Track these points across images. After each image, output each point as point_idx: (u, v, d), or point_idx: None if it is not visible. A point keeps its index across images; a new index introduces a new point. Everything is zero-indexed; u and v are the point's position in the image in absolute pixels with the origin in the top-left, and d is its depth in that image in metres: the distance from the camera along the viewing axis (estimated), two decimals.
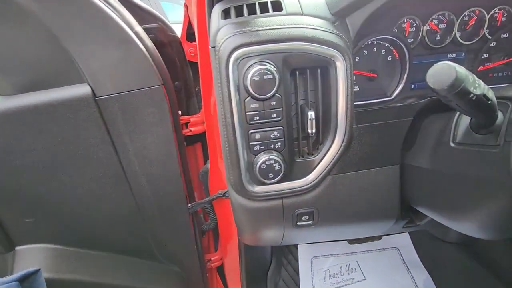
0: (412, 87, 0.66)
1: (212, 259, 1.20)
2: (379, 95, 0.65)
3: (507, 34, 0.62)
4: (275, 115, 0.47)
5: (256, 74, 0.43)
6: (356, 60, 0.62)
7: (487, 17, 0.60)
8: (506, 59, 0.63)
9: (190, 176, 0.94)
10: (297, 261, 1.27)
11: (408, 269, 1.28)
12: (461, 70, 0.34)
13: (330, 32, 0.46)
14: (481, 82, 0.36)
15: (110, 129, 0.64)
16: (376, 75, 0.62)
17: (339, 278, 1.27)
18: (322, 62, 0.46)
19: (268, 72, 0.43)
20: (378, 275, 1.27)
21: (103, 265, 0.80)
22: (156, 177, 0.75)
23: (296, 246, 1.29)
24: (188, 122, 0.92)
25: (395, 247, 1.36)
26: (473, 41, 0.61)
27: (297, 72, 0.47)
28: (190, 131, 0.92)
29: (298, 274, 1.24)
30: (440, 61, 0.63)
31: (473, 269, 1.11)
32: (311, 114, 0.48)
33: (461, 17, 0.59)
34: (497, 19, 0.60)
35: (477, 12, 0.59)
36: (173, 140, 0.74)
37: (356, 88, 0.64)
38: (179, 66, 0.79)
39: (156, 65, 0.66)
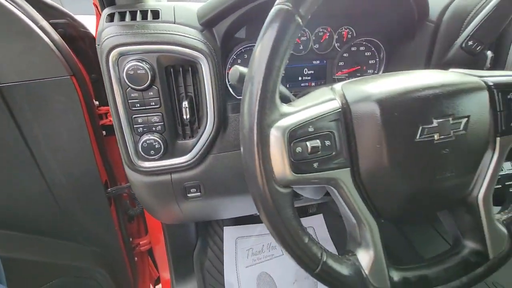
0: (288, 85, 0.82)
1: (141, 243, 1.28)
2: None
3: (355, 47, 0.82)
4: (153, 103, 0.59)
5: (130, 69, 0.54)
6: (238, 62, 0.76)
7: (334, 34, 0.78)
8: (356, 67, 0.83)
9: (111, 163, 1.01)
10: (223, 242, 1.40)
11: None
12: (245, 70, 0.47)
13: (195, 39, 0.59)
14: None
15: (15, 115, 0.70)
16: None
17: (260, 255, 1.44)
18: (189, 62, 0.59)
19: (141, 68, 0.54)
20: None
21: (20, 244, 0.84)
22: (68, 163, 0.82)
23: (221, 228, 1.42)
24: (108, 112, 1.00)
25: (311, 226, 1.57)
26: (327, 51, 0.79)
27: (172, 69, 0.59)
28: (110, 121, 1.00)
29: (223, 254, 1.37)
30: (308, 66, 0.82)
31: None
32: (185, 103, 0.60)
33: (314, 32, 0.77)
34: (343, 35, 0.79)
35: (328, 29, 0.77)
36: (85, 128, 0.81)
37: (240, 85, 0.79)
38: (93, 59, 0.86)
39: (64, 56, 0.73)
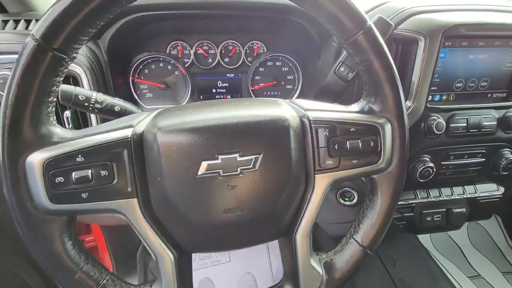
0: (201, 97, 0.82)
1: (86, 239, 1.31)
2: (171, 102, 0.80)
3: (271, 62, 0.81)
4: None
5: (0, 78, 0.56)
6: (145, 71, 0.77)
7: (243, 48, 0.77)
8: (272, 82, 0.81)
9: None
10: None
11: (268, 253, 1.48)
12: (69, 90, 0.47)
13: None
14: (107, 99, 0.50)
15: None
16: (164, 86, 0.77)
17: (207, 260, 1.44)
18: (68, 73, 0.60)
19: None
20: (242, 257, 1.45)
21: None
22: None
23: None
24: None
25: None
26: (237, 65, 0.78)
27: None
28: None
29: None
30: (222, 79, 0.82)
31: None
32: (66, 113, 0.61)
33: (222, 46, 0.76)
34: (254, 50, 0.78)
35: (237, 43, 0.76)
36: None
37: (150, 95, 0.80)
38: None
39: None
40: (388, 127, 0.40)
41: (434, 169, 0.71)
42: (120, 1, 0.33)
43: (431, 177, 0.71)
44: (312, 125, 0.40)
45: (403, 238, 1.36)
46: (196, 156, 0.36)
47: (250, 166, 0.36)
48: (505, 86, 0.72)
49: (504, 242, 1.60)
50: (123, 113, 0.49)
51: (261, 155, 0.37)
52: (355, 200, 0.79)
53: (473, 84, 0.70)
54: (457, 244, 1.56)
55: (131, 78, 0.75)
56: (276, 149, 0.37)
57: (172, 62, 0.76)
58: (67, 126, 0.63)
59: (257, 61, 0.78)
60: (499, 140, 0.73)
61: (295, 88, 0.84)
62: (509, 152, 0.75)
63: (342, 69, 0.56)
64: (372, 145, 0.40)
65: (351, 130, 0.39)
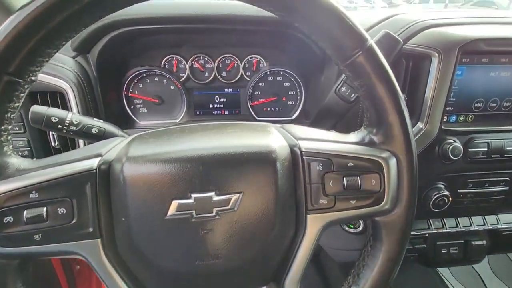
0: (198, 113, 0.78)
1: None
2: (167, 117, 0.77)
3: (272, 77, 0.76)
4: (17, 128, 0.58)
5: None
6: (140, 86, 0.74)
7: (240, 63, 0.73)
8: (272, 98, 0.77)
9: None
10: None
11: None
12: (40, 111, 0.44)
13: (61, 66, 0.57)
14: (83, 120, 0.46)
15: None
16: (158, 101, 0.74)
17: None
18: (56, 89, 0.57)
19: None
20: None
21: None
22: None
23: None
24: None
25: None
26: (235, 80, 0.74)
27: (38, 95, 0.58)
28: None
29: None
30: (219, 94, 0.78)
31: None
32: None
33: (219, 60, 0.72)
34: (253, 64, 0.73)
35: (234, 57, 0.72)
36: None
37: (144, 110, 0.76)
38: None
39: None
40: (393, 163, 0.34)
41: (450, 198, 0.63)
42: (83, 19, 0.29)
43: (446, 206, 0.64)
44: (304, 157, 0.34)
45: (418, 268, 1.26)
46: (166, 194, 0.31)
47: (228, 207, 0.31)
48: None
49: None
50: (101, 135, 0.45)
51: (241, 194, 0.32)
52: (360, 228, 0.72)
53: (495, 104, 0.63)
54: (478, 273, 1.44)
55: (124, 93, 0.72)
56: (260, 187, 0.32)
57: (167, 76, 0.73)
58: (53, 143, 0.61)
59: (256, 76, 0.74)
60: None
61: (297, 104, 0.78)
62: None
63: (344, 89, 0.51)
64: (373, 183, 0.34)
65: (348, 165, 0.34)
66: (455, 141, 0.60)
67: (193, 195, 0.31)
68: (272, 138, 0.35)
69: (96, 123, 0.46)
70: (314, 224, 0.34)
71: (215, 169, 0.31)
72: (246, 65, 0.74)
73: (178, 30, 0.62)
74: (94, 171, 0.32)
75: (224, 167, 0.31)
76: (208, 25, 0.62)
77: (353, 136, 0.36)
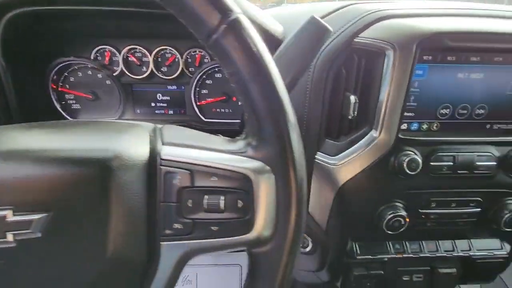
0: (138, 111, 0.71)
1: None
2: (103, 115, 0.70)
3: (220, 75, 0.68)
4: None
5: None
6: (71, 79, 0.67)
7: (180, 57, 0.65)
8: (221, 97, 0.69)
9: None
10: None
11: (240, 285, 1.31)
12: None
13: None
14: None
15: None
16: (92, 97, 0.67)
17: None
18: None
19: None
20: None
21: None
22: None
23: None
24: None
25: (238, 264, 1.40)
26: (175, 75, 0.66)
27: None
28: None
29: None
30: (161, 91, 0.70)
31: None
32: None
33: (154, 53, 0.64)
34: (196, 59, 0.65)
35: (174, 51, 0.64)
36: None
37: (77, 106, 0.69)
38: None
39: None
40: (266, 178, 0.26)
41: (407, 219, 0.54)
42: None
43: (403, 229, 0.55)
44: (161, 166, 0.26)
45: None
46: None
47: (30, 231, 0.23)
48: (511, 115, 0.55)
49: None
50: None
51: (52, 214, 0.23)
52: (308, 248, 0.63)
53: (465, 111, 0.54)
54: None
55: (52, 86, 0.65)
56: (83, 203, 0.24)
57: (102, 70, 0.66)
58: None
59: (199, 72, 0.66)
60: (500, 186, 0.55)
61: None
62: None
63: None
64: (240, 205, 0.25)
65: (211, 179, 0.26)
66: (414, 153, 0.51)
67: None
68: (125, 142, 0.27)
69: None
70: (169, 254, 0.26)
71: (17, 179, 0.23)
72: (189, 60, 0.66)
73: (97, 13, 0.54)
74: None
75: (30, 175, 0.23)
76: (134, 8, 0.54)
77: (233, 143, 0.28)
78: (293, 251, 0.27)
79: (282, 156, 0.25)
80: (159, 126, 0.31)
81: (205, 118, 0.71)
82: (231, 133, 0.38)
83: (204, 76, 0.68)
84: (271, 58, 0.25)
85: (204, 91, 0.69)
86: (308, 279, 0.77)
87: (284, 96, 0.25)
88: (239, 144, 0.28)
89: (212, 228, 0.26)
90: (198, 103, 0.70)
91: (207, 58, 0.66)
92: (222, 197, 0.25)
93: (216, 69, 0.67)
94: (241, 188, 0.25)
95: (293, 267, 0.27)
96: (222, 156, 0.26)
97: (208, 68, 0.65)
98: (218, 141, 0.28)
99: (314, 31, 0.37)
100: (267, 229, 0.26)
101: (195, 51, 0.65)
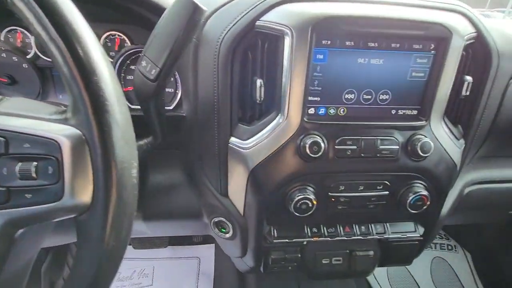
0: (61, 97, 0.69)
1: None
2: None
3: None
4: None
5: None
6: None
7: (100, 40, 0.63)
8: None
9: None
10: None
11: (198, 279, 1.31)
12: None
13: None
14: None
15: None
16: (7, 80, 0.64)
17: (126, 282, 1.28)
18: None
19: None
20: (167, 281, 1.29)
21: None
22: None
23: None
24: None
25: (197, 257, 1.39)
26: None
27: None
28: None
29: None
30: None
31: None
32: None
33: None
34: (116, 43, 0.65)
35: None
36: None
37: None
38: None
39: None
40: (77, 146, 0.26)
41: (314, 202, 0.55)
42: None
43: (311, 211, 0.56)
44: None
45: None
46: None
47: None
48: (415, 101, 0.57)
49: (472, 282, 1.41)
50: None
51: None
52: (229, 234, 0.64)
53: (369, 97, 0.55)
54: (416, 282, 1.38)
55: None
56: None
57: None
58: None
59: (120, 57, 0.65)
60: (405, 169, 0.57)
61: (176, 91, 0.70)
62: (420, 185, 0.59)
63: (143, 63, 0.42)
64: (50, 171, 0.25)
65: (24, 146, 0.25)
66: (318, 136, 0.52)
67: None
68: None
69: None
70: None
71: None
72: (109, 44, 0.65)
73: None
74: None
75: None
76: None
77: (59, 112, 0.28)
78: (119, 215, 0.27)
79: (95, 120, 0.25)
80: (7, 98, 0.31)
81: (132, 105, 0.70)
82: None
83: (128, 62, 0.67)
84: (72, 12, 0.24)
85: (129, 77, 0.68)
86: (242, 266, 0.78)
87: (100, 62, 0.25)
88: (63, 113, 0.27)
89: (26, 195, 0.25)
90: (124, 90, 0.69)
91: (126, 43, 0.65)
92: (35, 164, 0.25)
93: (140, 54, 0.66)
94: (51, 154, 0.25)
95: (126, 233, 0.27)
96: (37, 123, 0.26)
97: (127, 52, 0.64)
98: (46, 110, 0.28)
99: (184, 7, 0.37)
100: (83, 195, 0.26)
101: (114, 35, 0.64)
